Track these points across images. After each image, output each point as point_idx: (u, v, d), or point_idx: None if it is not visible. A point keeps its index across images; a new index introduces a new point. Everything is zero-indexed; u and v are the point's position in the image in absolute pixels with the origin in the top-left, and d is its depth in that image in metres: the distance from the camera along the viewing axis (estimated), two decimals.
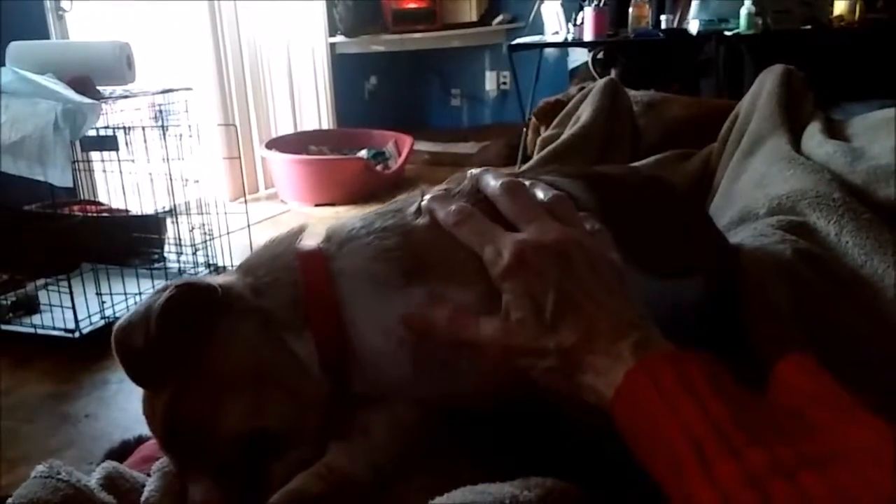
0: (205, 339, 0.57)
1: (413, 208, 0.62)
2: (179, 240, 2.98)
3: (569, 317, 0.51)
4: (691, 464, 0.42)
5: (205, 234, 2.97)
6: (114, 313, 2.55)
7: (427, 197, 0.61)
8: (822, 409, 0.44)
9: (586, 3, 3.90)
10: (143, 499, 0.59)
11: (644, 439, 0.46)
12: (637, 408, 0.46)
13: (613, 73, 3.81)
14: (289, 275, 0.60)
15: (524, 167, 1.44)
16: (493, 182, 0.60)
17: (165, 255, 3.06)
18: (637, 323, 0.51)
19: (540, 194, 0.59)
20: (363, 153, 4.55)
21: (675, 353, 0.48)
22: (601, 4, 3.88)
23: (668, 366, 0.47)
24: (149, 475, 0.62)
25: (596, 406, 0.49)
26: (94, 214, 2.97)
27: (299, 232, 0.64)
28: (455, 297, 0.57)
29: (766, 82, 1.27)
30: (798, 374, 0.47)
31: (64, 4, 3.33)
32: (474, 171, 0.63)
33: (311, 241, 0.63)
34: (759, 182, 1.03)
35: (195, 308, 0.57)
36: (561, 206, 0.58)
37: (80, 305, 2.48)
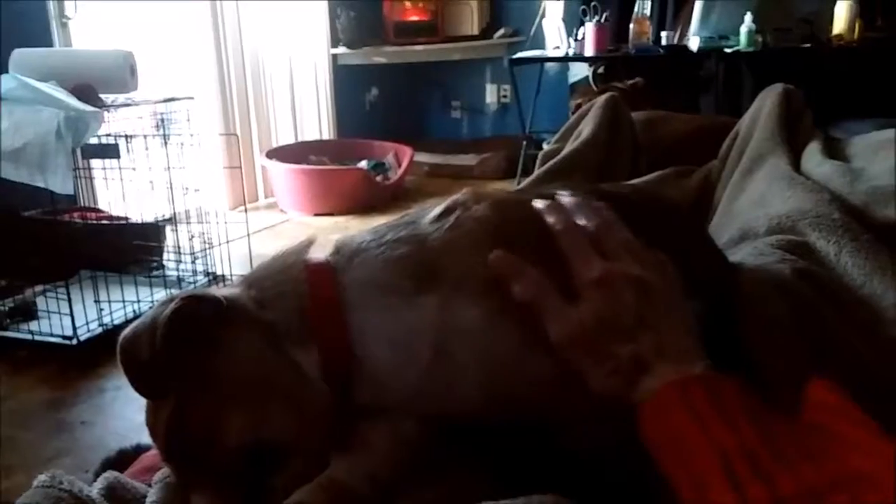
0: (209, 350, 0.58)
1: (428, 218, 0.63)
2: (179, 248, 2.98)
3: (646, 329, 0.54)
4: (720, 482, 0.42)
5: (204, 242, 2.97)
6: (112, 321, 2.55)
7: (565, 194, 0.64)
8: (849, 428, 0.45)
9: (587, 18, 3.92)
10: None
11: (671, 451, 0.47)
12: (666, 420, 0.47)
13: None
14: (296, 287, 0.61)
15: (526, 181, 1.44)
16: (590, 214, 0.62)
17: (164, 263, 3.06)
18: (702, 354, 0.53)
19: (628, 236, 0.61)
20: (363, 164, 4.56)
21: (709, 374, 0.50)
22: (602, 20, 3.91)
23: (701, 385, 0.48)
24: (150, 485, 0.63)
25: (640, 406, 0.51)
26: (94, 222, 2.97)
27: (308, 245, 0.65)
28: (465, 308, 0.57)
29: (766, 101, 1.28)
30: (824, 393, 0.48)
31: (68, 12, 3.34)
32: (565, 196, 0.65)
33: (319, 253, 0.64)
34: (759, 201, 1.04)
35: (200, 320, 0.57)
36: (645, 252, 0.60)
37: (78, 312, 2.48)
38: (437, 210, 0.63)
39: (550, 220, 0.61)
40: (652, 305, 0.55)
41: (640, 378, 0.52)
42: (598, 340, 0.54)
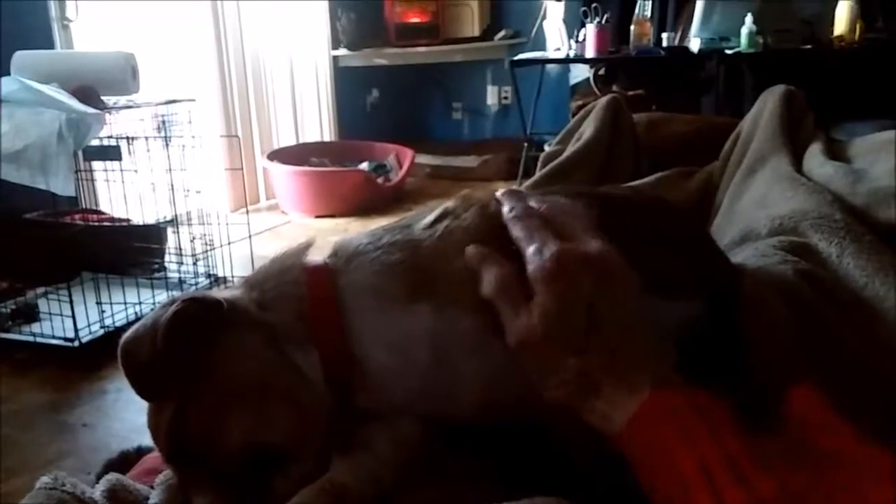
0: (210, 352, 0.58)
1: (422, 224, 0.63)
2: (180, 250, 2.98)
3: (595, 338, 0.51)
4: (700, 490, 0.42)
5: (205, 244, 2.97)
6: (113, 323, 2.55)
7: (500, 191, 0.62)
8: (826, 435, 0.45)
9: (588, 19, 3.92)
10: None
11: (652, 466, 0.46)
12: (649, 433, 0.47)
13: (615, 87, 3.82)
14: (295, 289, 0.61)
15: (526, 183, 1.44)
16: (542, 199, 0.61)
17: (166, 265, 3.06)
18: (657, 353, 0.51)
19: (580, 218, 0.59)
20: (364, 165, 4.57)
21: (689, 387, 0.49)
22: (603, 21, 3.91)
23: (682, 397, 0.47)
24: (152, 487, 0.63)
25: (599, 430, 0.50)
26: (95, 223, 2.97)
27: (306, 247, 0.65)
28: (459, 318, 0.57)
29: (768, 102, 1.28)
30: (802, 404, 0.48)
31: (69, 14, 3.35)
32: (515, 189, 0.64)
33: (317, 255, 0.64)
34: (761, 202, 1.04)
35: (201, 322, 0.57)
36: (596, 234, 0.57)
37: (80, 314, 2.48)
38: (431, 217, 0.63)
39: (505, 207, 0.59)
40: (607, 299, 0.52)
41: (587, 398, 0.50)
42: (545, 347, 0.52)
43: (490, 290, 0.55)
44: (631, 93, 3.85)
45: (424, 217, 0.64)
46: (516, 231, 0.57)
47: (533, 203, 0.60)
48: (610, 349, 0.51)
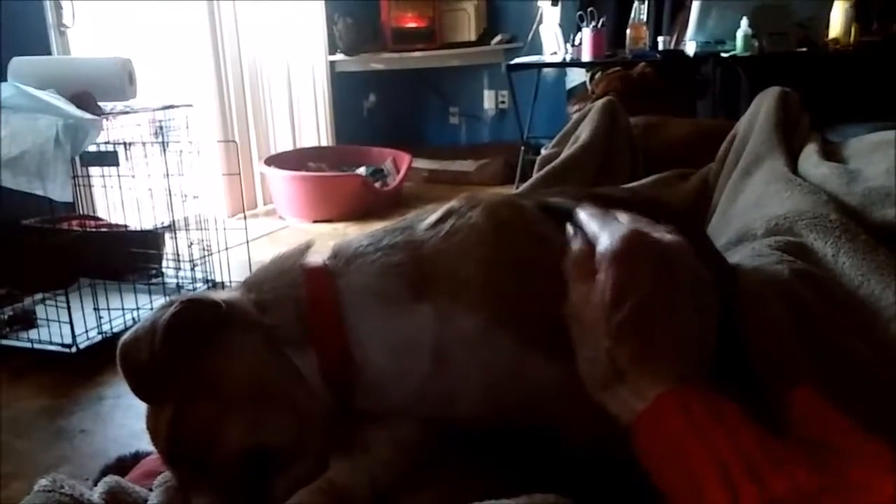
0: (209, 354, 0.58)
1: (425, 224, 0.63)
2: (178, 255, 2.98)
3: (634, 329, 0.51)
4: (714, 485, 0.43)
5: (203, 249, 2.97)
6: (111, 329, 2.54)
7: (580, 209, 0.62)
8: (836, 435, 0.45)
9: (584, 23, 3.93)
10: None
11: (666, 459, 0.47)
12: (663, 428, 0.47)
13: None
14: (294, 291, 0.61)
15: (524, 185, 1.45)
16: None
17: (163, 270, 3.06)
18: (690, 353, 0.52)
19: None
20: (361, 170, 4.57)
21: (706, 385, 0.49)
22: (599, 25, 3.92)
23: (698, 394, 0.48)
24: (151, 490, 0.63)
25: (617, 416, 0.50)
26: (93, 229, 2.97)
27: (305, 248, 0.65)
28: (461, 317, 0.57)
29: (763, 104, 1.28)
30: (804, 405, 0.49)
31: (66, 20, 3.35)
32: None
33: (317, 257, 0.64)
34: (757, 202, 1.04)
35: (200, 324, 0.57)
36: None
37: (78, 320, 2.47)
38: (434, 217, 0.63)
39: (582, 215, 0.60)
40: (666, 284, 0.52)
41: (613, 385, 0.51)
42: (590, 324, 0.53)
43: (569, 260, 0.56)
44: (638, 68, 3.85)
45: (427, 217, 0.64)
46: (593, 226, 0.57)
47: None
48: (643, 342, 0.51)
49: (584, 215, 0.59)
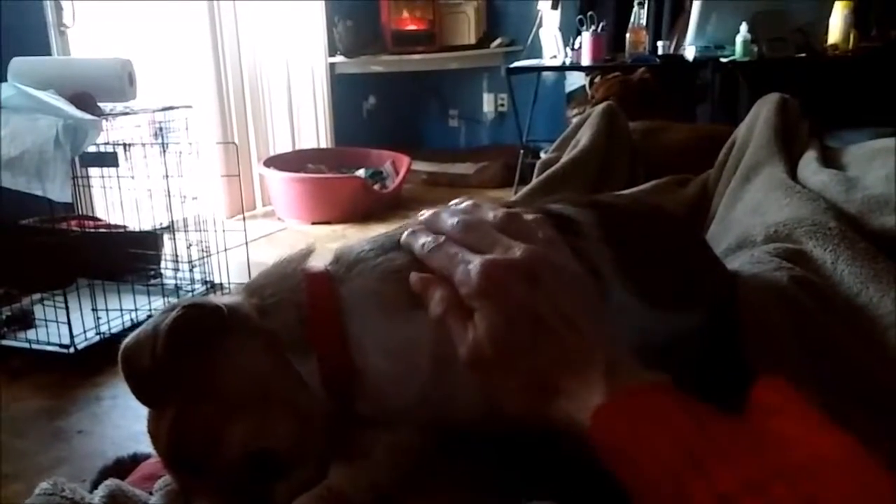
0: (210, 359, 0.58)
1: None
2: (176, 256, 2.98)
3: (540, 338, 0.51)
4: (669, 490, 0.43)
5: (202, 250, 2.97)
6: (109, 329, 2.55)
7: (404, 235, 0.61)
8: (790, 423, 0.45)
9: (584, 27, 3.94)
10: None
11: (623, 467, 0.47)
12: (612, 441, 0.47)
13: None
14: (295, 296, 0.61)
15: (523, 190, 1.45)
16: (448, 220, 0.59)
17: (162, 271, 3.06)
18: (606, 344, 0.51)
19: (490, 215, 0.59)
20: (361, 172, 4.57)
21: (640, 385, 0.48)
22: (599, 29, 3.93)
23: (634, 398, 0.47)
24: (151, 493, 0.63)
25: (568, 430, 0.50)
26: (92, 230, 2.97)
27: (307, 253, 0.65)
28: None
29: (762, 110, 1.29)
30: (768, 392, 0.48)
31: (66, 21, 3.35)
32: (424, 213, 0.62)
33: (319, 262, 0.64)
34: (756, 209, 1.04)
35: (201, 328, 0.57)
36: (513, 222, 0.58)
37: (76, 321, 2.48)
38: None
39: (416, 246, 0.58)
40: (543, 291, 0.52)
41: (547, 399, 0.50)
42: (497, 360, 0.52)
43: (437, 312, 0.55)
44: (639, 72, 3.86)
45: None
46: (436, 263, 0.56)
47: (444, 223, 0.59)
48: (557, 345, 0.51)
49: (421, 251, 0.58)
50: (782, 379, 0.49)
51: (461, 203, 0.63)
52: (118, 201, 2.80)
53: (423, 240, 0.59)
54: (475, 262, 0.53)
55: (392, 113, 5.59)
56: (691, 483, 0.42)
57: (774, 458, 0.42)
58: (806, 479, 0.41)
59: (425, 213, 0.62)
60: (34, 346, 2.50)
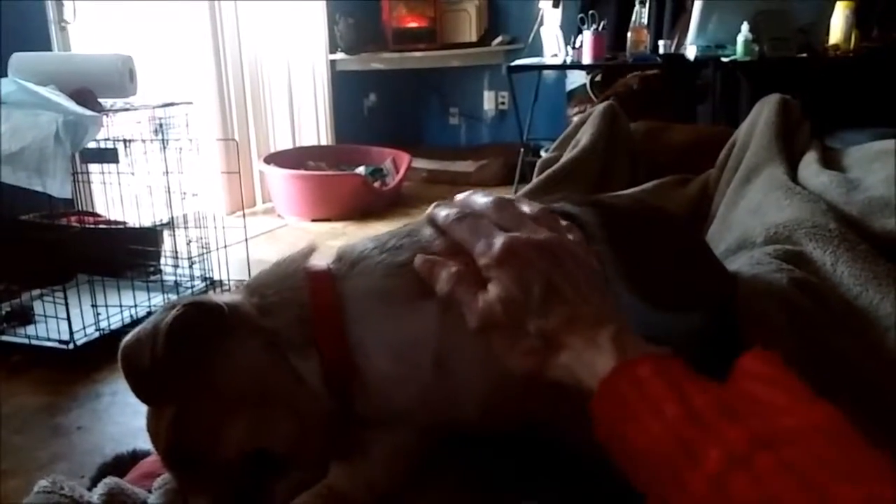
0: (210, 357, 0.58)
1: (428, 230, 0.63)
2: (176, 253, 2.98)
3: (552, 303, 0.53)
4: (666, 476, 0.43)
5: (202, 247, 2.97)
6: (109, 325, 2.54)
7: (430, 211, 0.63)
8: (777, 392, 0.46)
9: (585, 26, 3.94)
10: None
11: (622, 457, 0.47)
12: (609, 428, 0.48)
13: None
14: (297, 295, 0.61)
15: (524, 189, 1.45)
16: (482, 199, 0.61)
17: (162, 267, 3.06)
18: (615, 316, 0.53)
19: (526, 208, 0.61)
20: (361, 169, 4.57)
21: (627, 362, 0.49)
22: (600, 28, 3.92)
23: (622, 378, 0.48)
24: (150, 491, 0.63)
25: (568, 388, 0.51)
26: (92, 226, 2.97)
27: (309, 252, 0.65)
28: (465, 317, 0.58)
29: (763, 111, 1.29)
30: (756, 362, 0.49)
31: (67, 16, 3.35)
32: (461, 194, 0.64)
33: (320, 260, 0.64)
34: (756, 210, 1.04)
35: (202, 327, 0.57)
36: (546, 217, 0.60)
37: (75, 317, 2.47)
38: None
39: (441, 215, 0.60)
40: (559, 270, 0.54)
41: (552, 357, 0.52)
42: (507, 322, 0.54)
43: (446, 286, 0.56)
44: (649, 72, 3.86)
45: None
46: (459, 233, 0.58)
47: (474, 201, 0.61)
48: (569, 310, 0.53)
49: (444, 220, 0.60)
50: (772, 351, 0.49)
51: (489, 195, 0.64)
52: (118, 197, 2.80)
53: (448, 211, 0.60)
54: (499, 236, 0.55)
55: (393, 110, 5.59)
56: (684, 471, 0.43)
57: (760, 426, 0.43)
58: (790, 446, 0.41)
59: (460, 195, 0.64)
60: (33, 342, 2.49)
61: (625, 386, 0.48)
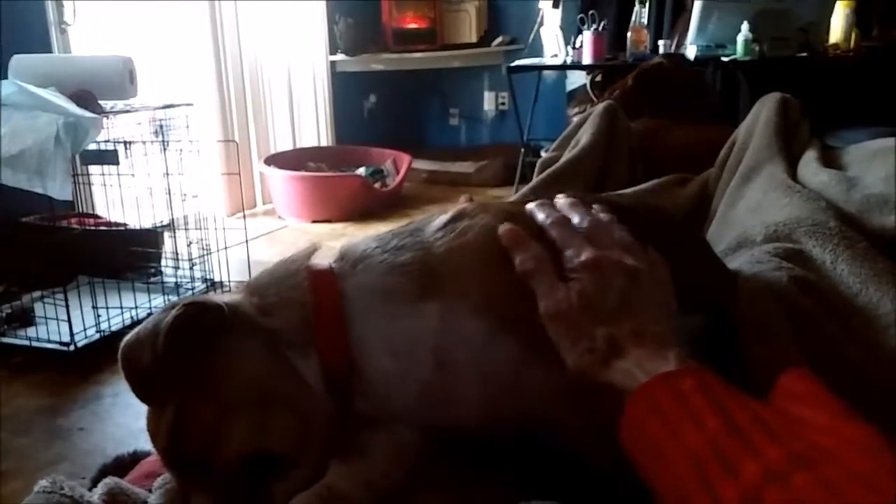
0: (210, 357, 0.58)
1: (434, 226, 0.63)
2: (177, 254, 2.98)
3: (623, 315, 0.56)
4: (695, 488, 0.43)
5: (202, 248, 2.97)
6: (109, 327, 2.54)
7: (533, 204, 0.65)
8: (814, 410, 0.46)
9: (585, 26, 3.94)
10: None
11: (649, 463, 0.47)
12: (640, 433, 0.48)
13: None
14: (298, 294, 0.61)
15: (523, 189, 1.45)
16: (581, 214, 0.64)
17: (162, 269, 3.06)
18: (678, 342, 0.55)
19: (618, 234, 0.63)
20: (361, 171, 4.57)
21: (672, 373, 0.51)
22: (600, 28, 3.92)
23: (665, 387, 0.49)
24: (150, 491, 0.63)
25: (617, 387, 0.52)
26: (92, 228, 2.97)
27: (311, 252, 0.65)
28: (466, 318, 0.58)
29: (763, 110, 1.29)
30: (795, 381, 0.49)
31: (67, 18, 3.35)
32: (562, 198, 0.67)
33: (323, 260, 0.64)
34: (756, 209, 1.04)
35: (202, 327, 0.57)
36: (636, 246, 0.62)
37: (76, 318, 2.47)
38: (443, 218, 0.64)
39: (541, 216, 0.63)
40: (638, 292, 0.57)
41: (613, 360, 0.54)
42: (579, 318, 0.56)
43: (528, 266, 0.59)
44: (657, 60, 3.84)
45: (435, 220, 0.64)
46: (555, 232, 0.61)
47: (576, 211, 0.64)
48: (638, 325, 0.55)
49: (546, 219, 0.62)
50: (807, 369, 0.50)
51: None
52: (119, 199, 2.80)
53: (551, 212, 0.63)
54: (590, 249, 0.59)
55: (393, 111, 5.59)
56: (718, 480, 0.43)
57: (798, 444, 0.43)
58: (829, 464, 0.41)
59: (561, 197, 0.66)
60: (34, 344, 2.50)
61: (664, 393, 0.49)
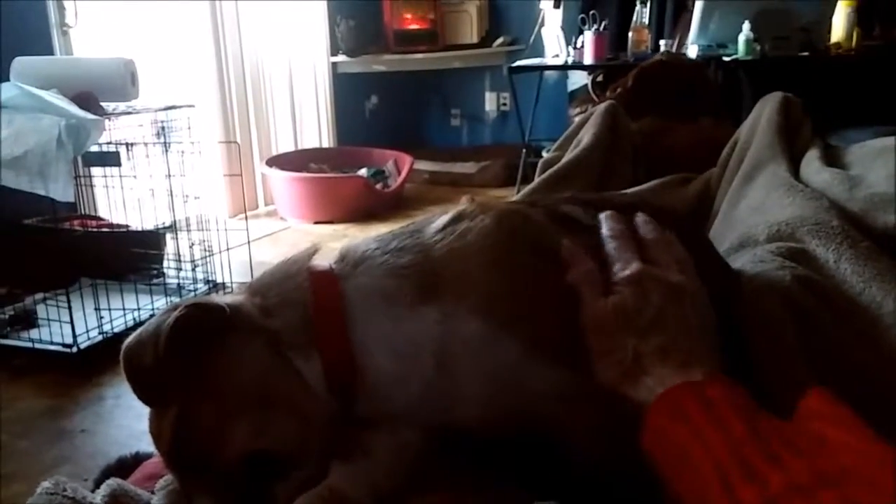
0: (212, 359, 0.58)
1: (434, 227, 0.63)
2: (179, 256, 2.98)
3: (654, 330, 0.57)
4: (717, 491, 0.43)
5: (204, 250, 2.97)
6: (112, 329, 2.55)
7: (605, 214, 0.67)
8: (838, 430, 0.46)
9: (586, 26, 3.94)
10: None
11: (671, 467, 0.47)
12: (663, 436, 0.48)
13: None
14: (299, 295, 0.61)
15: (525, 190, 1.45)
16: (649, 229, 0.66)
17: (165, 270, 3.06)
18: (712, 363, 0.55)
19: (679, 254, 0.64)
20: (363, 172, 4.57)
21: (698, 381, 0.51)
22: (601, 28, 3.92)
23: (692, 393, 0.49)
24: (153, 493, 0.63)
25: (637, 403, 0.53)
26: (94, 229, 2.97)
27: (312, 253, 0.65)
28: (467, 320, 0.58)
29: (765, 109, 1.28)
30: (817, 401, 0.49)
31: (68, 20, 3.35)
32: (641, 217, 0.69)
33: (324, 261, 0.64)
34: (759, 208, 1.04)
35: (204, 328, 0.57)
36: (688, 266, 0.63)
37: (79, 320, 2.48)
38: (444, 219, 0.64)
39: (604, 229, 0.65)
40: (676, 309, 0.58)
41: (639, 377, 0.54)
42: (613, 330, 0.57)
43: (579, 278, 0.61)
44: (660, 54, 3.84)
45: (435, 221, 0.64)
46: (610, 248, 0.63)
47: (643, 228, 0.66)
48: (667, 342, 0.56)
49: (607, 232, 0.65)
50: (830, 389, 0.50)
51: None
52: (121, 201, 2.81)
53: (613, 226, 0.65)
54: (637, 264, 0.61)
55: (394, 112, 5.59)
56: (740, 485, 0.43)
57: (823, 463, 0.43)
58: (855, 485, 0.41)
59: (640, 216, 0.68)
60: (37, 346, 2.50)
61: (691, 398, 0.50)
